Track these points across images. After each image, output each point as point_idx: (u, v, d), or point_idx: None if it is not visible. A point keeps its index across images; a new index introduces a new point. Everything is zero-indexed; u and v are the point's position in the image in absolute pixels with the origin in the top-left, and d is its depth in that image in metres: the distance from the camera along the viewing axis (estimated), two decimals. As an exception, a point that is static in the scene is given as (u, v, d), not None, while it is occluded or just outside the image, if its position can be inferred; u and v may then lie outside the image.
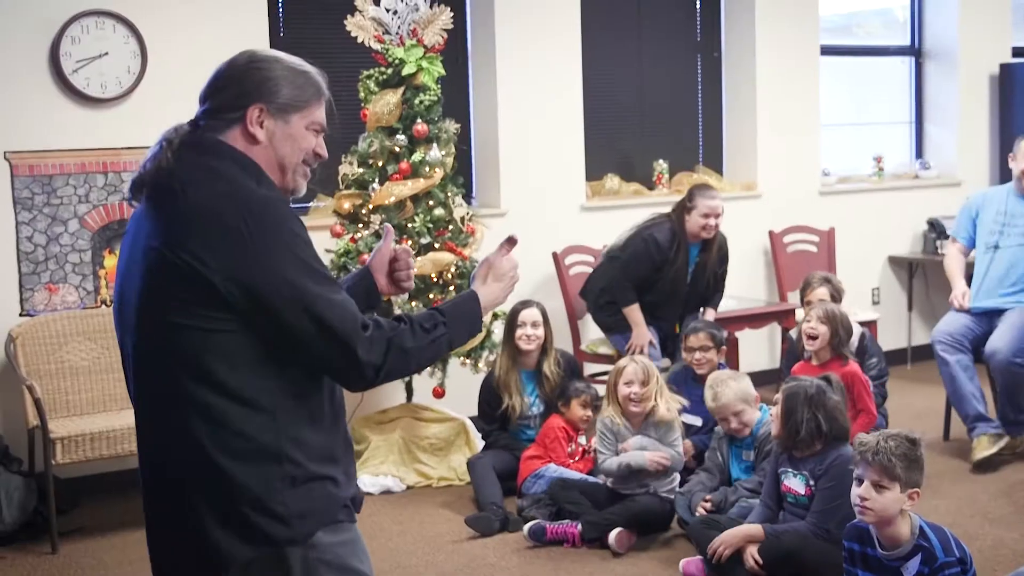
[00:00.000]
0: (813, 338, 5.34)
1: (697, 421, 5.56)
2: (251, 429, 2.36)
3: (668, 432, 5.16)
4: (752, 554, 4.30)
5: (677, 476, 5.18)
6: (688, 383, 5.70)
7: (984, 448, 5.81)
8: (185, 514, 2.39)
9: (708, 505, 4.84)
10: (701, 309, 6.43)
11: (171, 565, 2.49)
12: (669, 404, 5.22)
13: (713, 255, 6.31)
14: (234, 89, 2.51)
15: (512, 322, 5.77)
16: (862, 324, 6.25)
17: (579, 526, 4.96)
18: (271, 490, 2.38)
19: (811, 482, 4.32)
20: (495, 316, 6.02)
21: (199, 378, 2.33)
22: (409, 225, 5.81)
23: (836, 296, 5.98)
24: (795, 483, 4.37)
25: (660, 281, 6.21)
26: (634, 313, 6.22)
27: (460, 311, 2.57)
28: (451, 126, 5.98)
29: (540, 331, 5.77)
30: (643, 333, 6.18)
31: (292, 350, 2.36)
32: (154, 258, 2.36)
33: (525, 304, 5.83)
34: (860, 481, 3.52)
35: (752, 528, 4.38)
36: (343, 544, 2.50)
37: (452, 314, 2.54)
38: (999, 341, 5.86)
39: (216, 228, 2.32)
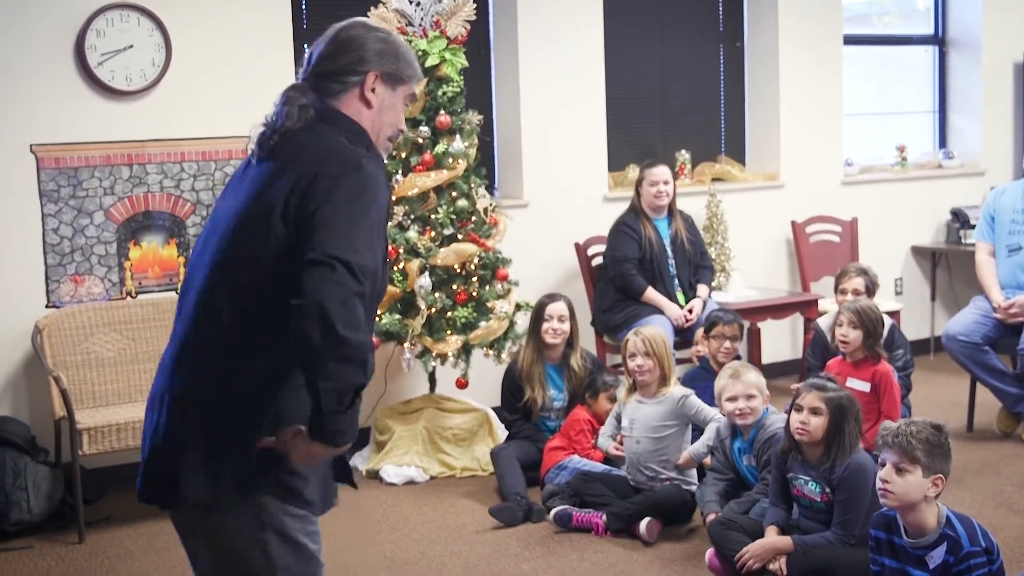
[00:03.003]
0: (846, 342, 5.31)
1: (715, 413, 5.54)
2: (258, 366, 2.50)
3: (685, 407, 5.14)
4: (781, 567, 4.27)
5: (694, 470, 5.19)
6: (703, 377, 5.69)
7: None
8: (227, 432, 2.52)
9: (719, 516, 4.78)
10: (698, 287, 6.56)
11: (182, 477, 2.55)
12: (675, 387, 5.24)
13: (680, 223, 6.58)
14: (356, 54, 2.65)
15: (538, 315, 5.78)
16: (888, 315, 6.23)
17: (604, 516, 4.97)
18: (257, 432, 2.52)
19: (827, 489, 4.28)
20: (519, 307, 6.03)
21: (246, 307, 2.50)
22: (432, 216, 5.83)
23: (871, 288, 5.95)
24: (810, 490, 4.32)
25: (646, 260, 6.40)
26: (652, 295, 6.32)
27: (352, 420, 2.45)
28: (474, 117, 5.98)
29: (566, 325, 5.78)
30: (674, 307, 6.33)
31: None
32: (266, 203, 2.51)
33: (552, 297, 5.84)
34: (883, 464, 3.52)
35: (781, 541, 4.30)
36: (293, 517, 2.59)
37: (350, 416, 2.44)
38: None
39: (318, 183, 2.47)
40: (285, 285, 2.40)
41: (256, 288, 2.50)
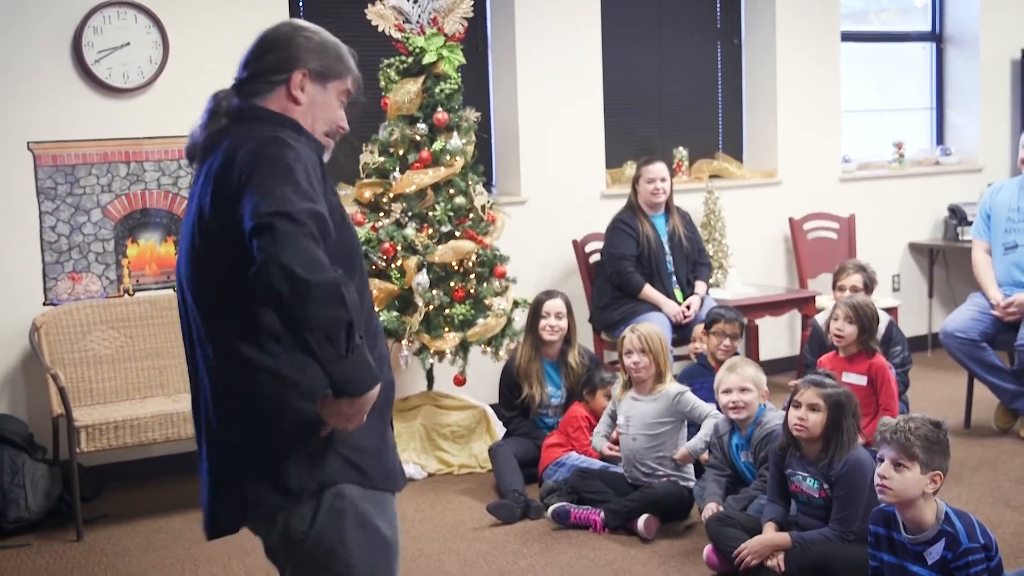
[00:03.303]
0: (840, 337, 5.30)
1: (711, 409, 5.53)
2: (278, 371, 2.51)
3: (680, 403, 5.13)
4: (779, 563, 4.27)
5: (691, 466, 5.19)
6: (700, 373, 5.69)
7: None
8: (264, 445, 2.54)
9: (718, 510, 4.73)
10: (696, 284, 6.55)
11: (237, 502, 2.58)
12: (670, 384, 5.22)
13: (678, 220, 6.57)
14: (280, 53, 2.63)
15: (536, 312, 5.78)
16: (885, 311, 6.23)
17: (601, 513, 4.97)
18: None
19: (825, 485, 4.29)
20: (516, 304, 6.03)
21: (244, 319, 2.50)
22: (430, 214, 5.83)
23: (869, 285, 5.95)
24: (808, 486, 4.31)
25: (643, 257, 6.39)
26: (650, 293, 6.31)
27: (362, 363, 2.41)
28: (471, 114, 5.98)
29: (564, 322, 5.78)
30: (672, 303, 6.32)
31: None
32: (205, 213, 2.52)
33: (549, 294, 5.84)
34: (882, 460, 3.52)
35: (779, 538, 4.30)
36: (370, 500, 2.59)
37: (358, 355, 2.40)
38: None
39: (237, 165, 2.46)
40: (245, 271, 2.40)
41: (226, 285, 2.50)
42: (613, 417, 5.34)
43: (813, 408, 4.26)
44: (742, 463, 4.88)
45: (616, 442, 5.29)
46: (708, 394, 5.48)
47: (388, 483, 2.65)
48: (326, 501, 2.54)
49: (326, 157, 2.69)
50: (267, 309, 2.42)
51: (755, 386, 4.82)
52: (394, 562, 2.67)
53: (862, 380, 5.20)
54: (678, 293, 6.47)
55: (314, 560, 2.58)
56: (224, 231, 2.45)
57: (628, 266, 6.34)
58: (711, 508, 4.73)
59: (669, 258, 6.47)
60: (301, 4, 6.40)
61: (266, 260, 2.27)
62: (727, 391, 4.82)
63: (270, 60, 2.63)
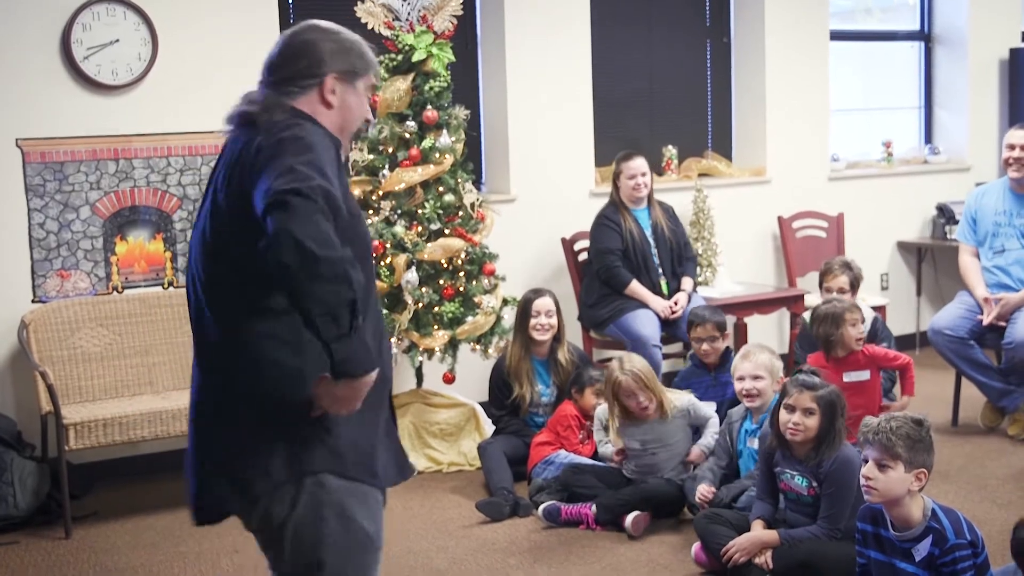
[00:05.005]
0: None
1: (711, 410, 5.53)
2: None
3: (692, 415, 5.16)
4: (766, 560, 4.28)
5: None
6: (695, 375, 5.69)
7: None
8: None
9: (708, 496, 4.77)
10: (682, 280, 6.53)
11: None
12: (675, 395, 5.23)
13: (661, 214, 6.55)
14: (309, 58, 2.69)
15: (525, 311, 5.79)
16: (873, 310, 6.25)
17: (593, 508, 4.97)
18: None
19: (813, 483, 4.29)
20: (505, 302, 6.04)
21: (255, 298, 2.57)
22: (419, 211, 5.83)
23: (855, 283, 5.95)
24: (797, 484, 4.32)
25: (629, 251, 6.37)
26: (637, 289, 6.30)
27: (362, 344, 2.49)
28: (461, 112, 5.98)
29: (553, 320, 5.79)
30: (658, 300, 6.31)
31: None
32: (220, 200, 2.59)
33: (538, 293, 5.85)
34: (866, 461, 3.53)
35: (768, 535, 4.31)
36: (352, 494, 2.63)
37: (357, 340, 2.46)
38: (1020, 332, 5.91)
39: (258, 150, 2.55)
40: (254, 248, 2.45)
41: (236, 269, 2.56)
42: (606, 429, 5.32)
43: (808, 412, 4.22)
44: (749, 450, 4.87)
45: (621, 452, 5.24)
46: (704, 393, 5.50)
47: (371, 478, 2.67)
48: (307, 488, 2.58)
49: (349, 152, 2.79)
50: (276, 293, 2.47)
51: (768, 373, 4.82)
52: (371, 558, 2.70)
53: (864, 375, 5.23)
54: (664, 285, 6.46)
55: (291, 547, 2.62)
56: (238, 217, 2.52)
57: (615, 260, 6.34)
58: (702, 490, 4.75)
59: (654, 251, 6.46)
60: (290, 2, 6.39)
61: (278, 232, 2.34)
62: (741, 378, 4.83)
63: (300, 66, 2.69)
